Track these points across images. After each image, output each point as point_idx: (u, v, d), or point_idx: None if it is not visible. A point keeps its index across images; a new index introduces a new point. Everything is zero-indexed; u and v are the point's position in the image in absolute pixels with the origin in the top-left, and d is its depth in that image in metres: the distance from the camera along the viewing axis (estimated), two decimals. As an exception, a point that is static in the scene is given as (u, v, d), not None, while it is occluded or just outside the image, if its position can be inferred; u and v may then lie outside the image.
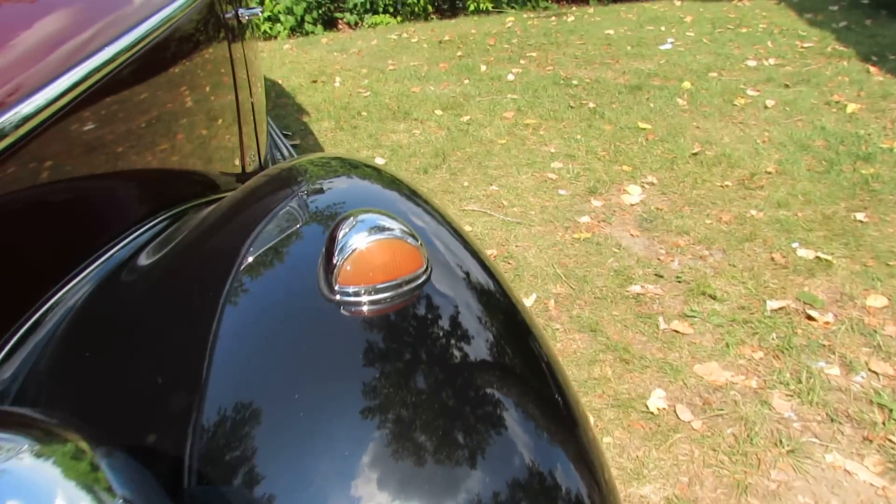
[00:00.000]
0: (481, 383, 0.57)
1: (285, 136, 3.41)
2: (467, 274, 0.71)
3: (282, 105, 3.93)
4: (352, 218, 0.64)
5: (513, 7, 6.46)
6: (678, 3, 5.96)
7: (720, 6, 5.68)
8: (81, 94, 0.85)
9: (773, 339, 1.83)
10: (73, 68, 0.84)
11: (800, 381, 1.67)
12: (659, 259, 2.25)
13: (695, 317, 1.95)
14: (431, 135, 3.39)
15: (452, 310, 0.64)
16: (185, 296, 0.72)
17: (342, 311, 0.61)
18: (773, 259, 2.19)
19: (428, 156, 3.14)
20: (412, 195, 0.86)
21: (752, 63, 4.11)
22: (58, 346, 0.71)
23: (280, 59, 5.06)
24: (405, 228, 0.64)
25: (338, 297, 0.61)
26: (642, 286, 2.11)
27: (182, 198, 1.14)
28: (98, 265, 0.86)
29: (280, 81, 4.36)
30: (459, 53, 4.83)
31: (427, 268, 0.65)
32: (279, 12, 6.12)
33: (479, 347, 0.62)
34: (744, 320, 1.91)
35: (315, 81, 4.36)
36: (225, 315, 0.63)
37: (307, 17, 6.18)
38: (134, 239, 0.93)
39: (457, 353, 0.59)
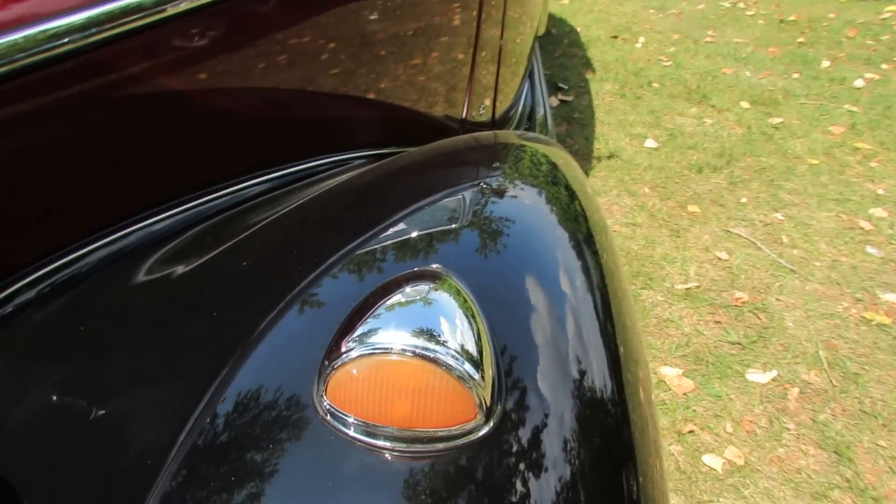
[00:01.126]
0: None
1: (559, 89, 3.17)
2: (585, 417, 0.46)
3: (570, 55, 3.65)
4: (425, 286, 0.43)
5: (900, -6, 5.09)
6: None
7: None
8: None
9: None
10: None
11: None
12: None
13: None
14: (725, 129, 2.84)
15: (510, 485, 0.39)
16: (217, 300, 0.60)
17: (328, 437, 0.41)
18: None
19: (711, 153, 2.64)
20: (586, 240, 0.62)
21: None
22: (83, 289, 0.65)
23: (589, 5, 4.72)
24: (473, 352, 0.41)
25: (328, 416, 0.42)
26: (943, 424, 1.48)
27: (363, 141, 1.00)
28: (206, 201, 0.78)
29: (579, 30, 4.06)
30: (801, 39, 3.96)
31: (486, 421, 0.41)
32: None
33: None
34: None
35: (615, 37, 3.96)
36: (236, 365, 0.49)
37: (638, -34, 5.65)
38: (259, 182, 0.83)
39: None
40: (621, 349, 0.54)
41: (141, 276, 0.68)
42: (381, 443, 0.41)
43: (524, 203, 0.67)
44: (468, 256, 0.55)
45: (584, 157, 2.65)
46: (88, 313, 0.64)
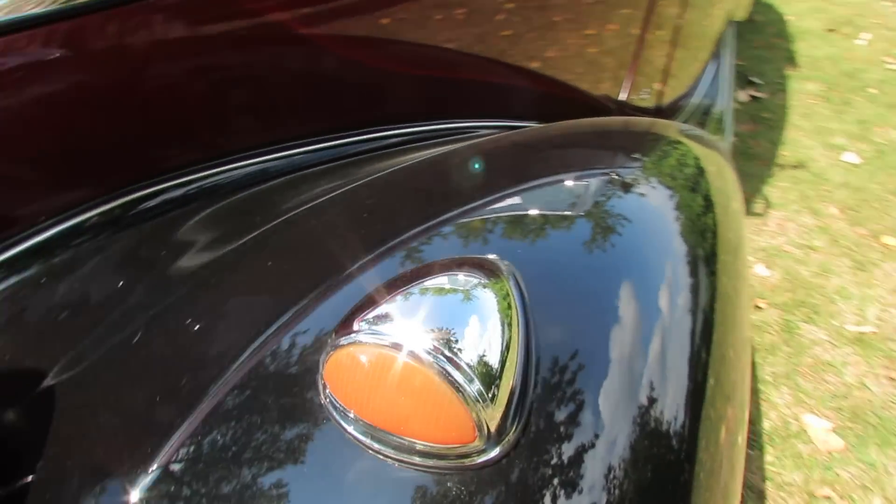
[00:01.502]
0: None
1: (751, 83, 2.83)
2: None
3: (772, 47, 3.24)
4: (475, 278, 0.39)
5: None
6: None
7: None
8: None
9: None
10: None
11: None
12: None
13: None
14: (953, 153, 2.37)
15: None
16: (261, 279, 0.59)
17: (327, 425, 0.40)
18: None
19: (926, 178, 2.22)
20: (707, 258, 0.55)
21: None
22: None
23: (810, -8, 4.15)
24: (494, 365, 0.36)
25: (325, 399, 0.40)
26: None
27: (510, 111, 0.95)
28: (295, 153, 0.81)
29: (790, 19, 3.59)
30: None
31: (490, 445, 0.37)
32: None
33: None
34: None
35: (832, 31, 3.45)
36: (263, 341, 0.48)
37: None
38: (363, 141, 0.83)
39: None
40: (710, 381, 0.48)
41: (264, 198, 0.74)
42: (367, 441, 0.38)
43: (648, 204, 0.59)
44: (554, 252, 0.50)
45: (766, 163, 2.35)
46: (210, 221, 0.70)
